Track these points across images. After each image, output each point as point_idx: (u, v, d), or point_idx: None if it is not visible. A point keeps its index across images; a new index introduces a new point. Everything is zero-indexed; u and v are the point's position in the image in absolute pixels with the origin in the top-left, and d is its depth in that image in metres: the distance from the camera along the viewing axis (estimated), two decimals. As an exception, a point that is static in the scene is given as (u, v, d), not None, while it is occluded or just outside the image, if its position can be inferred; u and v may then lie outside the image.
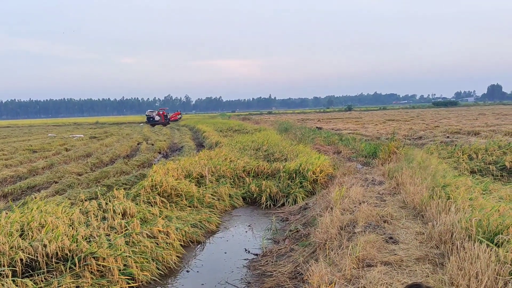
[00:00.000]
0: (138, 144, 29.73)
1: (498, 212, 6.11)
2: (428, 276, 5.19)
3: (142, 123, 74.26)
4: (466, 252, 5.22)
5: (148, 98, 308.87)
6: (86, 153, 23.59)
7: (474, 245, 5.27)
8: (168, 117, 73.75)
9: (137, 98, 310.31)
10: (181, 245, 8.25)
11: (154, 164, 17.21)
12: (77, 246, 6.30)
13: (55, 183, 14.34)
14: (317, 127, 36.29)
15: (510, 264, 4.61)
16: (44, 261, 6.08)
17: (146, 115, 72.16)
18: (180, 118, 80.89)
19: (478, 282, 4.58)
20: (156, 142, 28.90)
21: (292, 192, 11.95)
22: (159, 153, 24.34)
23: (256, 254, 8.01)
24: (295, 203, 11.49)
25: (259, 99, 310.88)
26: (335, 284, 5.12)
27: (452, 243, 5.82)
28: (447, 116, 51.59)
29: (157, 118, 69.03)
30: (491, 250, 5.05)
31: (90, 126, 67.37)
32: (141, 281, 6.60)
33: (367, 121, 46.06)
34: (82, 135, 39.63)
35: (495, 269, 4.63)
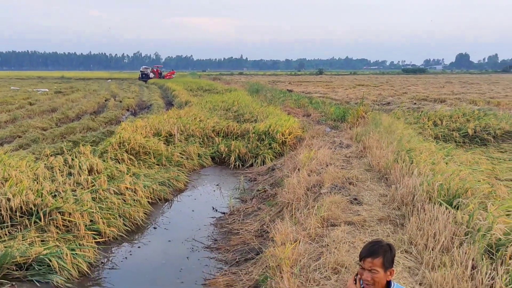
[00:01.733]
0: (105, 100, 29.09)
1: (458, 177, 6.34)
2: (389, 236, 5.39)
3: (110, 79, 72.45)
4: (425, 214, 5.43)
5: (116, 54, 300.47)
6: (51, 108, 22.97)
7: (434, 207, 5.48)
8: (163, 74, 72.55)
9: (105, 53, 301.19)
10: (148, 202, 8.26)
11: (122, 121, 16.98)
12: (42, 200, 6.22)
13: (19, 137, 13.97)
14: (288, 90, 36.24)
15: (466, 226, 4.82)
16: (8, 215, 6.00)
17: (141, 71, 70.43)
18: (174, 77, 79.61)
19: (435, 241, 4.79)
20: (124, 99, 28.35)
21: (261, 153, 12.04)
22: (127, 110, 23.95)
23: (224, 213, 8.11)
24: (263, 164, 11.59)
25: (230, 59, 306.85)
26: (299, 242, 5.26)
27: (413, 205, 6.02)
28: (415, 83, 52.36)
29: (151, 75, 67.75)
30: (449, 212, 5.27)
31: (55, 80, 65.13)
32: (108, 237, 6.61)
33: (338, 86, 46.33)
34: (47, 90, 38.37)
35: (452, 229, 4.84)
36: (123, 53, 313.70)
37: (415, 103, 24.76)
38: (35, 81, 60.25)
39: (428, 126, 13.54)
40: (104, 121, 18.50)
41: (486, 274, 3.79)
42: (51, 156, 9.62)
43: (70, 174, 8.45)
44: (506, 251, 4.04)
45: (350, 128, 13.87)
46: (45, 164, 8.68)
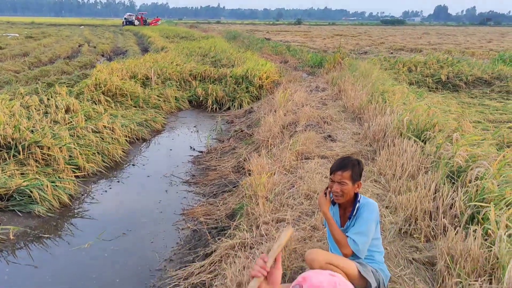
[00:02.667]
0: (79, 46, 28.35)
1: (427, 114, 6.59)
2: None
3: (82, 25, 70.10)
4: (395, 147, 5.69)
5: (89, 0, 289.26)
6: (23, 52, 22.30)
7: (403, 141, 5.74)
8: (148, 22, 71.43)
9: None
10: (126, 141, 8.34)
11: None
12: (20, 135, 6.24)
13: (-9, 79, 13.65)
14: (265, 38, 35.85)
15: (433, 156, 5.10)
16: (-14, 149, 6.02)
17: (125, 18, 70.27)
18: (160, 24, 77.86)
19: (403, 171, 5.07)
20: (99, 45, 27.68)
21: (238, 96, 12.11)
22: (102, 55, 23.46)
23: (201, 152, 8.27)
24: (240, 107, 11.70)
25: (208, 8, 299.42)
26: (274, 173, 5.48)
27: (384, 141, 6.28)
28: (393, 34, 52.35)
29: (136, 22, 67.43)
30: (417, 145, 5.54)
31: (25, 26, 62.50)
32: (87, 172, 6.72)
33: (316, 35, 45.98)
34: (17, 35, 36.98)
35: (419, 160, 5.11)
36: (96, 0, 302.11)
37: (391, 53, 24.93)
38: (4, 26, 57.79)
39: (402, 72, 13.77)
40: (78, 65, 18.15)
41: (447, 195, 4.08)
42: (26, 95, 9.51)
43: (46, 113, 8.41)
44: (466, 175, 4.32)
45: (326, 73, 13.99)
46: (20, 103, 8.60)
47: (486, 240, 3.23)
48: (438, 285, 3.06)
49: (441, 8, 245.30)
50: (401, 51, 26.33)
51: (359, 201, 2.93)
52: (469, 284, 2.84)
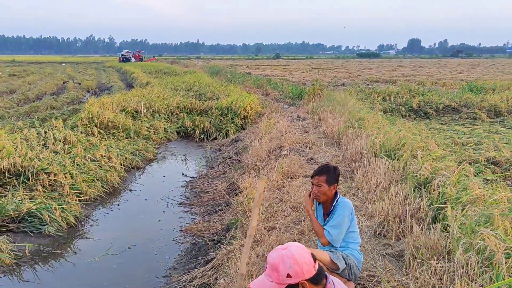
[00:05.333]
0: (64, 82, 28.94)
1: (397, 136, 7.36)
2: (340, 185, 6.34)
3: (64, 63, 70.73)
4: (370, 165, 6.41)
5: (69, 38, 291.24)
6: (9, 90, 22.80)
7: (376, 160, 6.47)
8: (144, 60, 74.82)
9: (56, 37, 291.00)
10: (122, 169, 8.90)
11: (84, 102, 17.28)
12: (29, 163, 6.78)
13: (-17, 116, 14.11)
14: (246, 73, 36.99)
15: (402, 171, 5.82)
16: (-2, 176, 6.53)
17: (122, 54, 73.65)
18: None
19: (377, 185, 5.77)
20: (83, 81, 28.31)
21: (224, 127, 12.81)
22: (88, 91, 24.06)
23: (193, 177, 8.86)
24: (227, 137, 12.38)
25: (187, 44, 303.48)
26: (264, 190, 6.11)
27: (361, 161, 7.00)
28: (369, 66, 54.23)
29: (133, 60, 70.62)
30: (389, 163, 6.27)
31: (6, 64, 62.92)
32: (89, 196, 7.25)
33: (294, 69, 47.43)
34: (0, 73, 37.44)
35: (390, 175, 5.83)
36: (75, 36, 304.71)
37: (368, 84, 26.11)
38: (-15, 65, 58.08)
39: (377, 101, 14.71)
40: (66, 101, 18.71)
41: (414, 201, 4.77)
42: (24, 129, 10.03)
43: (45, 144, 8.94)
44: (430, 185, 5.04)
45: (306, 104, 14.83)
46: (20, 136, 9.12)
47: (443, 232, 3.92)
48: (405, 266, 3.71)
49: (414, 41, 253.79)
50: (376, 83, 27.57)
51: (337, 200, 3.59)
52: (428, 263, 3.50)
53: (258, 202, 2.41)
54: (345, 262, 3.41)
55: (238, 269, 3.01)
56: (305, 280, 1.96)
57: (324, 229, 3.51)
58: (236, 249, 4.65)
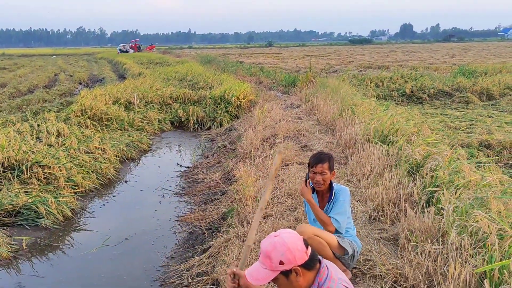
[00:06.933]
0: (55, 75, 28.72)
1: (391, 122, 7.40)
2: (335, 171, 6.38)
3: (54, 55, 70.20)
4: (364, 151, 6.45)
5: (59, 30, 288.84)
6: (0, 83, 22.61)
7: (370, 146, 6.50)
8: (142, 48, 73.25)
9: (46, 29, 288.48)
10: (117, 160, 8.89)
11: (76, 94, 17.20)
12: (23, 156, 6.76)
13: (-25, 110, 14.01)
14: (239, 61, 36.86)
15: (396, 156, 5.87)
16: (-8, 170, 6.52)
17: (119, 48, 71.27)
18: (154, 51, 78.71)
19: (371, 170, 5.81)
20: (75, 74, 28.13)
21: (218, 116, 12.81)
22: (80, 83, 23.92)
23: (188, 167, 8.88)
24: (221, 126, 12.38)
25: (179, 34, 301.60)
26: (259, 178, 6.15)
27: (355, 147, 7.05)
28: (362, 53, 54.21)
29: (131, 51, 68.61)
30: (383, 148, 6.31)
31: (-5, 57, 62.53)
32: (85, 188, 7.25)
33: (287, 57, 47.32)
34: (-10, 67, 37.12)
35: (384, 160, 5.87)
36: (65, 28, 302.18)
37: (360, 71, 26.13)
38: (-26, 59, 57.55)
39: (370, 87, 14.74)
40: (58, 93, 18.60)
41: (407, 186, 4.82)
42: (17, 122, 9.98)
43: (38, 138, 8.91)
44: (422, 169, 5.08)
45: (300, 92, 14.85)
46: (13, 130, 9.08)
47: (437, 215, 3.97)
48: (400, 250, 3.77)
49: (406, 26, 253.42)
50: (369, 69, 27.60)
51: (334, 187, 3.62)
52: (423, 246, 3.55)
53: (273, 176, 2.47)
54: (351, 247, 3.46)
55: (246, 241, 3.05)
56: (298, 266, 2.01)
57: (330, 217, 3.54)
58: (233, 237, 4.68)
